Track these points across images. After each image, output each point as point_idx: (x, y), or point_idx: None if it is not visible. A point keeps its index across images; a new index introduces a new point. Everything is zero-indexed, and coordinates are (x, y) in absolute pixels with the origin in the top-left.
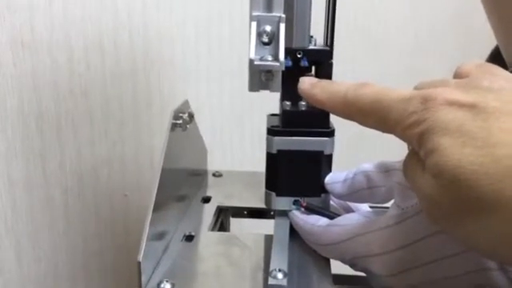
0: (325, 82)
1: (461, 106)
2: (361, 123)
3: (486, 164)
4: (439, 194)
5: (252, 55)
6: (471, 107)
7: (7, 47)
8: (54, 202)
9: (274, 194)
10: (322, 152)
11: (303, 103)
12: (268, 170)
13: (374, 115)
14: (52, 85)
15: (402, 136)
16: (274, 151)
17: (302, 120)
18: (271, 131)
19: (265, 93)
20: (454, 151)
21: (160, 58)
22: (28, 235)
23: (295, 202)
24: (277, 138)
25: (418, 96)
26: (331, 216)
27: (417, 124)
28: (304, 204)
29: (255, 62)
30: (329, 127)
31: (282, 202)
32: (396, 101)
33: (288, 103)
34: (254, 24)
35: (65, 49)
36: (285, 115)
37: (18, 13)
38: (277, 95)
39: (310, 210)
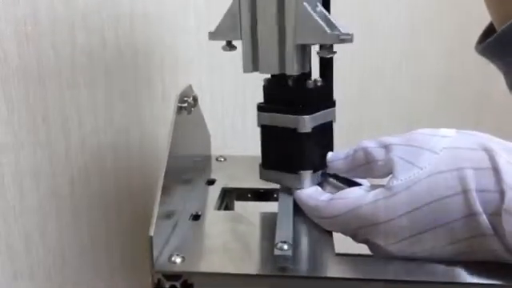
0: None
1: None
2: None
3: None
4: None
5: None
6: None
7: (12, 39)
8: (60, 191)
9: (261, 166)
10: (295, 129)
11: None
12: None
13: None
14: (56, 75)
15: None
16: (259, 125)
17: (283, 96)
18: (259, 107)
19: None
20: None
21: (162, 47)
22: (36, 224)
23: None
24: (262, 114)
25: None
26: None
27: None
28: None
29: None
30: (305, 105)
31: (267, 175)
32: None
33: (268, 77)
34: None
35: (68, 40)
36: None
37: (22, 5)
38: None
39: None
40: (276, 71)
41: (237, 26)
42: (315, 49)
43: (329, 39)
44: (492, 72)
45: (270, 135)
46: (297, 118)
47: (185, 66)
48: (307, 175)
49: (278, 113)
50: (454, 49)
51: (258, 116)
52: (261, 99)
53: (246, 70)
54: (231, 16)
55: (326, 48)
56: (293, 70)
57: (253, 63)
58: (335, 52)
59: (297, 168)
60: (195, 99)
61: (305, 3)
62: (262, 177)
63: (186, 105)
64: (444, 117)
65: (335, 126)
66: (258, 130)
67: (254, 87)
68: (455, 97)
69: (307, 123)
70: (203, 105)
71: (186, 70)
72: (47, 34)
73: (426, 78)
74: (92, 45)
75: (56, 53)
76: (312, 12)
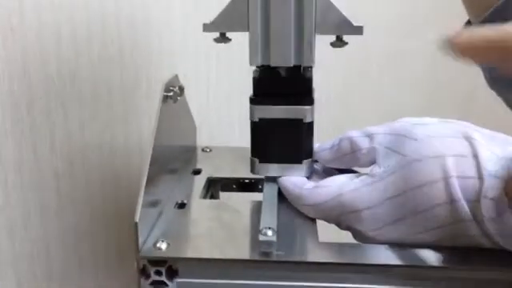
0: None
1: None
2: None
3: None
4: None
5: None
6: None
7: None
8: (45, 184)
9: (257, 160)
10: (301, 120)
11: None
12: (252, 137)
13: None
14: (41, 69)
15: None
16: (256, 119)
17: (276, 86)
18: (253, 100)
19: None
20: None
21: (147, 41)
22: (20, 216)
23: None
24: (258, 107)
25: None
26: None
27: None
28: None
29: None
30: (308, 95)
31: (265, 169)
32: None
33: (257, 69)
34: None
35: (53, 33)
36: (254, 81)
37: None
38: None
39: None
40: (291, 63)
41: (242, 16)
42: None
43: (354, 31)
44: (478, 72)
45: (268, 128)
46: (302, 108)
47: (170, 61)
48: (309, 163)
49: (277, 105)
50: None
51: (253, 110)
52: (246, 91)
53: (252, 63)
54: (236, 6)
55: (340, 39)
56: (311, 61)
57: (262, 55)
58: (347, 43)
59: (302, 157)
60: (181, 89)
61: None
62: (259, 172)
63: (171, 94)
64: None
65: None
66: (243, 121)
67: (239, 79)
68: (441, 97)
69: (312, 113)
70: (189, 97)
71: (170, 63)
72: (32, 27)
73: (412, 77)
74: (77, 39)
75: (41, 46)
76: (334, 3)
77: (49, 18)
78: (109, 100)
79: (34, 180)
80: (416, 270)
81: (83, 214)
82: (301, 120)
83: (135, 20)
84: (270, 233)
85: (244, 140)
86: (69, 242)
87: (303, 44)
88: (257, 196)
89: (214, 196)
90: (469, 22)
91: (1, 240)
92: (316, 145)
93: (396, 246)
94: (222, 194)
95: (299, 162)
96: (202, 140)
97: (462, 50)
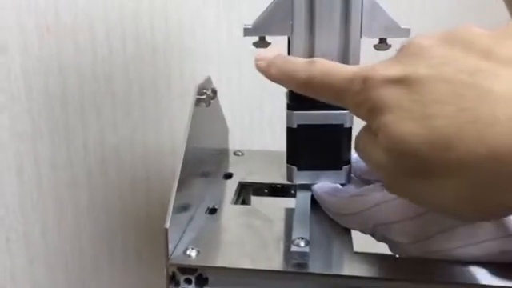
0: (280, 59)
1: (396, 81)
2: (320, 100)
3: (426, 135)
4: (392, 166)
5: None
6: (404, 80)
7: (33, 32)
8: (78, 182)
9: (295, 168)
10: (342, 125)
11: None
12: (289, 144)
13: (327, 95)
14: (75, 68)
15: (355, 113)
16: (295, 126)
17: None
18: (290, 106)
19: None
20: (397, 127)
21: (180, 42)
22: (53, 214)
23: None
24: (296, 113)
25: (359, 76)
26: None
27: (362, 103)
28: None
29: None
30: None
31: (303, 176)
32: (341, 81)
33: None
34: None
35: (88, 33)
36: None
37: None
38: None
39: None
40: None
41: (285, 20)
42: None
43: (402, 34)
44: None
45: (308, 134)
46: (342, 113)
47: (203, 62)
48: (348, 170)
49: (316, 110)
50: None
51: (292, 116)
52: (278, 96)
53: None
54: (278, 10)
55: (385, 42)
56: (356, 65)
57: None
58: (390, 45)
59: (342, 164)
60: (214, 92)
61: None
62: (297, 179)
63: (204, 97)
64: None
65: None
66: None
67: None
68: None
69: (351, 118)
70: (222, 100)
71: (204, 65)
72: (67, 26)
73: None
74: (111, 39)
75: (76, 46)
76: (380, 5)
77: (83, 18)
78: (141, 100)
79: (68, 177)
80: (453, 286)
81: (114, 213)
82: (341, 125)
83: (169, 20)
84: (302, 243)
85: (276, 144)
86: (100, 240)
87: (349, 48)
88: (289, 201)
89: (245, 201)
90: None
91: (35, 236)
92: (353, 155)
93: (433, 260)
94: (254, 199)
95: (339, 168)
96: (233, 144)
97: (260, 70)
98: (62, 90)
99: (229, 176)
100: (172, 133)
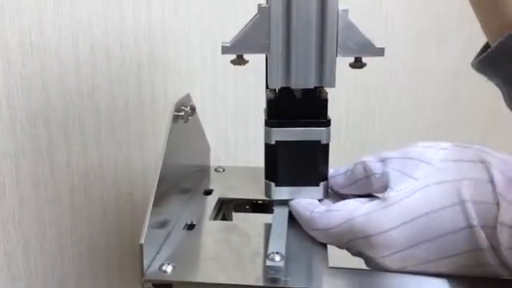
0: None
1: None
2: None
3: None
4: None
5: None
6: None
7: (17, 48)
8: (61, 199)
9: (273, 184)
10: (319, 141)
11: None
12: (267, 160)
13: None
14: (59, 84)
15: None
16: (273, 142)
17: (292, 108)
18: (268, 123)
19: None
20: None
21: (165, 59)
22: (35, 232)
23: None
24: (274, 129)
25: None
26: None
27: None
28: None
29: None
30: (325, 117)
31: (281, 192)
32: None
33: (271, 91)
34: None
35: (72, 49)
36: (270, 104)
37: (27, 15)
38: None
39: None
40: (312, 85)
41: (262, 38)
42: None
43: (376, 53)
44: (499, 93)
45: (286, 151)
46: (321, 130)
47: (187, 79)
48: (326, 186)
49: (294, 127)
50: (460, 67)
51: (270, 132)
52: (258, 111)
53: (272, 85)
54: (255, 28)
55: (360, 60)
56: (332, 82)
57: (282, 77)
58: (366, 64)
59: (319, 179)
60: (193, 108)
61: (348, 16)
62: (275, 195)
63: (182, 113)
64: (450, 135)
65: (340, 146)
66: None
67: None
68: (461, 116)
69: (328, 134)
70: (205, 117)
71: (188, 82)
72: (51, 43)
73: (432, 95)
74: (95, 55)
75: (59, 62)
76: (356, 24)
77: (67, 34)
78: (126, 116)
79: (50, 195)
80: None
81: (97, 231)
82: (318, 141)
83: (153, 37)
84: (277, 258)
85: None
86: (83, 258)
87: (325, 66)
88: (271, 217)
89: (226, 216)
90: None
91: (16, 255)
92: (330, 171)
93: (408, 273)
94: (236, 215)
95: (317, 184)
96: (219, 160)
97: None
98: (45, 106)
99: (209, 192)
100: (156, 149)
